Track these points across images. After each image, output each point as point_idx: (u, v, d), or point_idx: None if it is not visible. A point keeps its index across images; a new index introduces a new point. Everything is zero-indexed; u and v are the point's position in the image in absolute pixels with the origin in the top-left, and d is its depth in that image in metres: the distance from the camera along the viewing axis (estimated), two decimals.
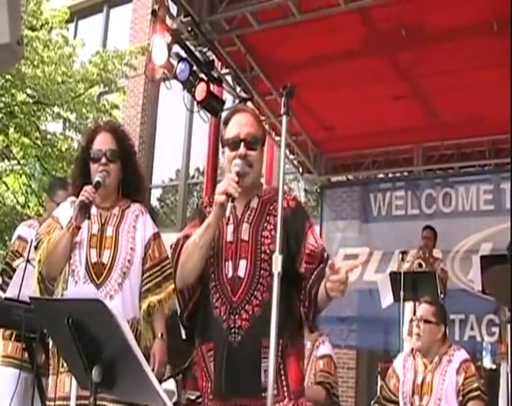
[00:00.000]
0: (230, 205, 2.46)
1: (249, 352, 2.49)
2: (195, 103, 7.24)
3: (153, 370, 3.21)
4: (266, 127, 8.57)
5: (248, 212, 2.67)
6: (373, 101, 7.98)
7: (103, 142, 3.33)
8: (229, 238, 2.63)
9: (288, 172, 10.65)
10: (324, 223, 9.77)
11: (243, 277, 2.56)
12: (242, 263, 2.57)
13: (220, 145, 2.77)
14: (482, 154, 8.82)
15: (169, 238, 3.51)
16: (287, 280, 2.45)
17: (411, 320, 6.64)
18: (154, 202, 15.06)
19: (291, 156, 9.38)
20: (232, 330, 2.51)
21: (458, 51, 6.83)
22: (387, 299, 6.95)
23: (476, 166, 9.06)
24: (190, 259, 2.58)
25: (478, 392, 4.16)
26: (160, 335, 3.31)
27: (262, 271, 2.55)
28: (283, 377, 2.54)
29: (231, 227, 2.64)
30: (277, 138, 8.86)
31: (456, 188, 9.00)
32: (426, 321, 4.32)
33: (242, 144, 2.64)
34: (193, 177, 14.40)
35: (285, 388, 2.53)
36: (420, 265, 7.37)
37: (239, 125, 2.68)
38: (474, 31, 6.59)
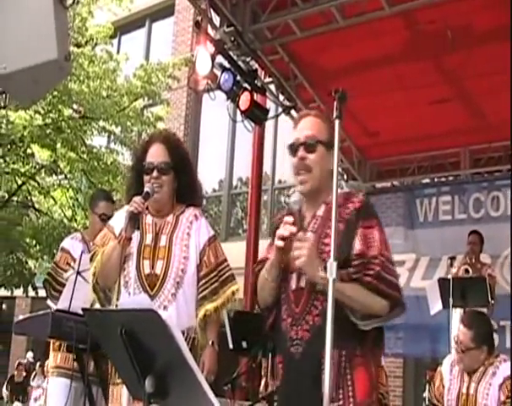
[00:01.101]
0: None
1: (310, 363, 2.45)
2: (238, 113, 7.24)
3: None
4: None
5: (314, 221, 2.63)
6: (418, 106, 7.88)
7: (156, 154, 3.34)
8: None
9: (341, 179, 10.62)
10: None
11: (305, 287, 2.53)
12: (304, 277, 2.53)
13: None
14: None
15: None
16: None
17: None
18: None
19: None
20: (295, 342, 2.49)
21: (504, 51, 6.69)
22: (436, 305, 6.84)
23: None
24: (263, 289, 2.66)
25: None
26: (211, 343, 3.29)
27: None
28: (350, 388, 2.46)
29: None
30: None
31: (504, 191, 8.79)
32: (465, 350, 4.13)
33: (301, 147, 2.62)
34: (236, 187, 14.45)
35: (351, 399, 2.45)
36: (466, 271, 7.23)
37: (300, 130, 2.67)
38: None
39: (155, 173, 3.28)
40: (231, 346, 5.46)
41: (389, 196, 10.06)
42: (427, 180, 9.75)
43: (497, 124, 8.15)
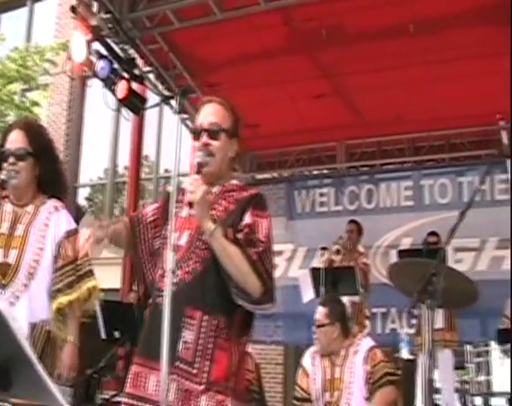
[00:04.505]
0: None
1: (172, 316, 2.39)
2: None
3: (61, 374, 3.18)
4: (190, 125, 8.57)
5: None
6: (297, 99, 8.09)
7: (13, 141, 3.30)
8: (184, 213, 2.64)
9: None
10: None
11: (183, 245, 2.58)
12: (186, 233, 2.60)
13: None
14: (402, 151, 9.08)
15: None
16: None
17: None
18: (82, 201, 14.86)
19: None
20: (161, 293, 2.46)
21: (378, 51, 6.99)
22: (308, 294, 7.06)
23: (396, 163, 9.31)
24: None
25: (386, 378, 4.12)
26: (70, 338, 3.25)
27: (199, 243, 2.56)
28: (207, 362, 2.47)
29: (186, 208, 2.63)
30: None
31: (378, 184, 9.20)
32: (319, 326, 4.32)
33: (205, 134, 2.66)
34: (122, 175, 14.25)
35: (204, 374, 2.46)
36: (338, 251, 7.46)
37: (204, 115, 2.72)
38: (392, 32, 6.76)
39: (11, 159, 3.24)
40: (103, 336, 5.44)
41: (271, 187, 10.28)
42: (306, 172, 10.01)
43: (371, 121, 8.51)
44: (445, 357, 6.48)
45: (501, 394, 3.61)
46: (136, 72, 7.10)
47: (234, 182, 2.75)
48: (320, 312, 4.37)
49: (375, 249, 8.86)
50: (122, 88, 6.73)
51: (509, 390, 3.32)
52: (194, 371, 2.46)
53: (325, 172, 9.98)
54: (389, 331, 8.59)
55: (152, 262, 2.74)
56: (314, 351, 4.43)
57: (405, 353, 6.69)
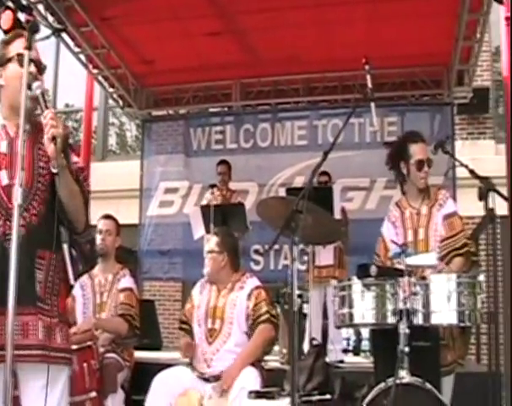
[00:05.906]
0: None
1: (24, 259, 2.48)
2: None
3: None
4: (83, 59, 8.40)
5: (16, 130, 2.69)
6: (193, 36, 8.04)
7: None
8: (3, 149, 2.68)
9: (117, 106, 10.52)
10: (146, 157, 9.83)
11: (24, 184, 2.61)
12: (21, 173, 2.58)
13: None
14: (297, 91, 9.21)
15: None
16: None
17: None
18: None
19: (111, 90, 9.26)
20: (8, 236, 2.51)
21: None
22: (199, 230, 7.17)
23: (291, 103, 9.46)
24: None
25: (267, 316, 4.34)
26: None
27: (39, 185, 2.66)
28: (55, 297, 2.68)
29: (4, 143, 2.70)
30: (95, 71, 8.68)
31: (273, 123, 9.36)
32: (208, 252, 4.54)
33: (33, 64, 2.64)
34: None
35: (55, 308, 2.67)
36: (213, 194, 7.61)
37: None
38: None
39: None
40: None
41: (170, 124, 10.24)
42: (202, 110, 9.96)
43: (266, 60, 8.56)
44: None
45: (363, 325, 3.87)
46: (23, 2, 6.81)
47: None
48: (212, 240, 4.60)
49: (269, 187, 9.07)
50: (6, 18, 6.42)
51: (368, 321, 3.58)
52: (47, 307, 2.64)
53: (222, 110, 10.01)
54: (281, 267, 8.84)
55: None
56: (204, 281, 4.61)
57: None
